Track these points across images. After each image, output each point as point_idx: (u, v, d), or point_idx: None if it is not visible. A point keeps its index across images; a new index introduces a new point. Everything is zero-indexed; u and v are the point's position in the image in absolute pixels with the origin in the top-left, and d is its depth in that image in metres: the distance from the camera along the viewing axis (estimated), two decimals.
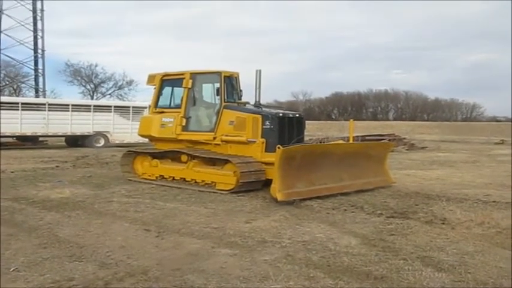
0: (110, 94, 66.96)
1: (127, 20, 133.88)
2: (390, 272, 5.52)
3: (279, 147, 9.55)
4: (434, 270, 5.61)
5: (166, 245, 6.60)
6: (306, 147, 11.09)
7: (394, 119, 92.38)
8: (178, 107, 13.04)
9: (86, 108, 28.96)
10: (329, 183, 10.51)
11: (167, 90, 13.74)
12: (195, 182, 11.83)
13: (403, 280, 5.27)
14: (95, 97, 64.96)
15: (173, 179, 12.38)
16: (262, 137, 11.44)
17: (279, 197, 9.38)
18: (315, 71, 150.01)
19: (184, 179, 12.12)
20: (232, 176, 10.98)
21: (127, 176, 13.36)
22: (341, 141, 14.06)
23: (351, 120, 13.60)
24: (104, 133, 28.91)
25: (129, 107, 31.14)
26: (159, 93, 13.65)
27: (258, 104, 12.37)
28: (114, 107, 30.43)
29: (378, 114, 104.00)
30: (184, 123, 12.81)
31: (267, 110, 12.20)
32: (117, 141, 29.03)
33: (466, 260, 6.06)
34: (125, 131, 29.47)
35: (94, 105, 29.90)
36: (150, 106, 14.02)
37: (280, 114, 11.75)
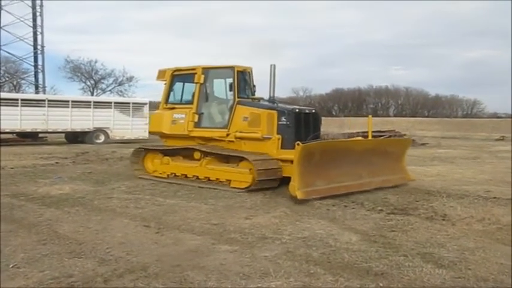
0: (110, 90, 66.84)
1: (127, 17, 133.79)
2: (390, 269, 5.51)
3: (298, 144, 9.26)
4: (435, 267, 5.59)
5: (166, 241, 6.59)
6: (326, 144, 10.83)
7: (395, 115, 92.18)
8: (189, 102, 12.75)
9: (85, 104, 28.90)
10: (348, 181, 10.24)
11: (178, 85, 13.43)
12: (209, 180, 11.55)
13: (403, 276, 5.26)
14: (95, 93, 64.84)
15: (185, 176, 12.11)
16: (277, 133, 11.12)
17: (299, 195, 9.08)
18: (316, 68, 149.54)
19: (197, 176, 11.81)
20: (248, 173, 10.69)
21: (137, 174, 13.05)
22: (360, 138, 13.54)
23: (370, 116, 13.23)
24: (104, 129, 28.85)
25: (129, 103, 31.11)
26: (169, 89, 13.34)
27: (272, 100, 11.98)
28: (114, 103, 30.38)
29: (378, 110, 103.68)
30: (196, 120, 12.48)
31: (282, 105, 11.86)
32: (117, 138, 29.02)
33: (467, 256, 6.05)
34: (125, 127, 29.48)
35: (94, 102, 29.84)
36: (160, 102, 13.69)
37: (297, 110, 11.52)
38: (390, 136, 26.51)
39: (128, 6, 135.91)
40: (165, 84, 13.35)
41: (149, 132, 14.14)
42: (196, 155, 12.11)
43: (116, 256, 5.83)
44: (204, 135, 12.38)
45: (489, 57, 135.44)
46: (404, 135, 31.14)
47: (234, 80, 12.02)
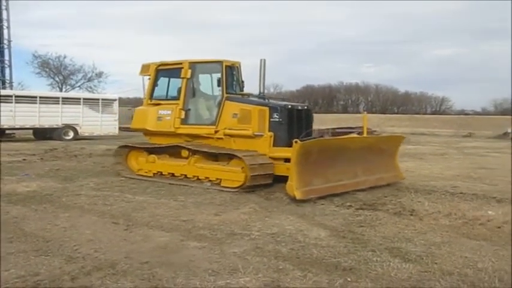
0: (79, 86, 66.07)
1: (97, 12, 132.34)
2: (359, 264, 5.56)
3: (296, 142, 9.01)
4: (402, 261, 5.67)
5: (135, 238, 6.55)
6: (324, 142, 10.46)
7: (365, 112, 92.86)
8: (176, 98, 12.25)
9: (54, 100, 28.52)
10: (344, 180, 10.01)
11: (163, 80, 12.94)
12: (198, 179, 11.13)
13: (371, 271, 5.31)
14: (63, 89, 64.03)
15: (172, 175, 11.70)
16: (269, 130, 10.75)
17: (298, 195, 8.85)
18: (286, 64, 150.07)
19: (185, 175, 11.40)
20: (241, 172, 10.26)
21: (121, 173, 12.50)
22: (355, 135, 13.10)
23: (365, 112, 12.78)
24: (73, 126, 28.51)
25: (98, 99, 30.83)
26: (154, 84, 12.88)
27: (262, 96, 11.63)
28: (83, 99, 30.06)
29: (348, 107, 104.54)
30: (183, 116, 12.02)
31: (274, 101, 11.55)
32: (86, 134, 28.74)
33: (433, 250, 6.15)
34: (95, 123, 29.19)
35: (63, 98, 29.51)
36: (144, 98, 13.27)
37: (289, 107, 11.16)
38: (359, 132, 26.64)
39: (97, 1, 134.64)
40: (149, 79, 12.94)
41: (132, 129, 13.53)
42: (184, 153, 11.65)
43: (84, 254, 5.77)
44: (192, 132, 11.95)
45: (457, 55, 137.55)
46: (375, 131, 31.38)
47: (222, 75, 11.58)
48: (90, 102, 29.91)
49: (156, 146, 12.32)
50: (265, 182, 10.30)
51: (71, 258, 5.60)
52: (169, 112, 12.18)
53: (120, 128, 31.40)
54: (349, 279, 5.06)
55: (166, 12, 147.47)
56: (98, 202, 8.95)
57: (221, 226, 7.20)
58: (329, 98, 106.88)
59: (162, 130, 12.28)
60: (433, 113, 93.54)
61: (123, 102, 61.79)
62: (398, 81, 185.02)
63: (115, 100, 30.95)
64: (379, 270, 5.36)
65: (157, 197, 9.54)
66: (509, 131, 42.01)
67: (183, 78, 12.02)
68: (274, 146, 10.69)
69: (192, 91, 12.04)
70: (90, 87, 65.20)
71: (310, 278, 5.07)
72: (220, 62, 11.66)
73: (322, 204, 8.97)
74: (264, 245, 6.23)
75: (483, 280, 5.09)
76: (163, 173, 11.91)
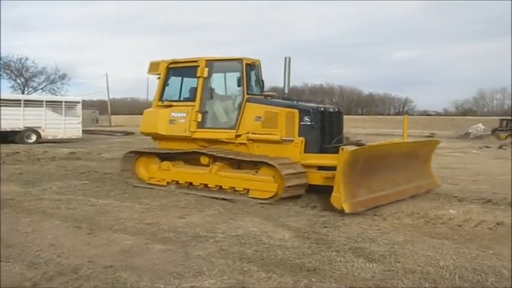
0: (41, 89, 65.29)
1: (59, 13, 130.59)
2: (323, 264, 5.61)
3: (343, 149, 8.32)
4: (366, 261, 5.74)
5: (99, 242, 6.49)
6: (371, 149, 9.30)
7: None
8: (190, 99, 11.13)
9: (15, 103, 27.93)
10: (387, 189, 9.22)
11: (175, 80, 11.76)
12: (221, 188, 10.09)
13: (335, 271, 5.36)
14: (26, 91, 63.09)
15: (190, 184, 10.61)
16: (299, 135, 9.84)
17: (346, 208, 8.05)
18: None
19: (206, 185, 10.33)
20: (273, 182, 9.35)
21: (131, 181, 11.46)
22: (398, 140, 11.89)
23: (405, 115, 11.54)
24: (36, 129, 27.95)
25: (61, 101, 30.29)
26: (164, 84, 11.65)
27: (288, 97, 10.90)
28: (46, 101, 29.50)
29: None
30: (200, 119, 10.87)
31: (303, 103, 10.67)
32: (49, 137, 28.22)
33: (396, 249, 6.24)
34: (58, 126, 28.67)
35: (24, 100, 28.96)
36: (154, 98, 12.08)
37: (322, 109, 10.24)
38: None
39: (59, 3, 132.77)
40: (159, 78, 11.75)
41: (141, 133, 12.49)
42: (204, 159, 10.57)
43: (46, 259, 5.69)
44: (210, 136, 10.85)
45: (419, 57, 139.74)
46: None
47: (242, 74, 10.55)
48: (53, 105, 29.38)
49: (170, 152, 11.17)
50: (299, 193, 9.50)
51: (32, 263, 5.51)
52: (183, 115, 11.03)
53: (84, 131, 31.09)
54: (313, 279, 5.11)
55: (130, 14, 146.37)
56: (61, 206, 8.82)
57: (186, 229, 7.18)
58: None
59: (175, 134, 11.16)
60: (396, 114, 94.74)
61: (87, 104, 61.32)
62: (362, 83, 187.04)
63: (78, 102, 30.53)
64: (343, 270, 5.42)
65: (121, 200, 9.45)
66: (470, 131, 43.00)
67: (199, 77, 10.90)
68: (304, 152, 9.82)
69: (210, 92, 11.02)
70: (53, 90, 64.50)
71: (275, 279, 5.10)
72: (240, 60, 10.66)
73: (287, 205, 9.01)
74: (229, 247, 6.24)
75: (444, 277, 5.20)
76: (180, 182, 10.81)
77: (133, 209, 8.68)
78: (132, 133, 40.94)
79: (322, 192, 9.44)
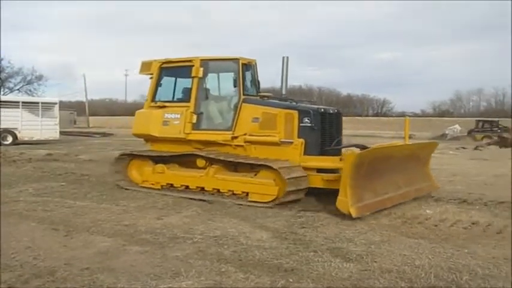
0: (18, 89, 64.48)
1: (36, 14, 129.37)
2: (300, 264, 5.64)
3: (352, 152, 8.29)
4: (343, 261, 5.78)
5: (76, 244, 6.44)
6: (377, 151, 9.20)
7: None
8: (183, 100, 10.90)
9: None
10: (390, 192, 9.03)
11: (168, 80, 11.51)
12: (219, 192, 9.81)
13: (312, 271, 5.40)
14: (1, 92, 62.27)
15: (186, 188, 10.31)
16: (298, 137, 9.68)
17: (353, 212, 7.85)
18: None
19: (202, 188, 10.05)
20: (274, 185, 9.12)
21: (122, 184, 11.11)
22: (399, 142, 11.43)
23: (407, 117, 11.11)
24: (12, 130, 27.64)
25: (38, 102, 29.98)
26: (157, 84, 11.37)
27: (285, 98, 10.69)
28: (22, 102, 29.19)
29: None
30: (195, 121, 10.64)
31: (303, 104, 10.42)
32: (26, 139, 27.91)
33: (373, 249, 6.30)
34: (34, 127, 28.37)
35: (0, 101, 28.64)
36: (146, 99, 11.74)
37: (322, 110, 10.06)
38: None
39: (35, 3, 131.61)
40: (151, 78, 11.45)
41: (133, 135, 12.06)
42: (200, 162, 10.29)
43: (22, 261, 5.64)
44: (205, 138, 10.61)
45: (396, 59, 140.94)
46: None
47: (238, 74, 10.38)
48: (30, 106, 29.08)
49: (164, 154, 10.89)
50: (299, 197, 9.32)
51: (7, 266, 5.45)
52: (177, 116, 10.78)
53: (61, 133, 30.82)
54: (291, 279, 5.13)
55: (107, 15, 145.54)
56: (37, 208, 8.74)
57: (163, 230, 7.16)
58: None
59: (169, 136, 10.91)
60: (375, 115, 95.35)
61: (65, 106, 60.80)
62: (340, 84, 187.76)
63: (55, 104, 30.25)
64: (320, 270, 5.45)
65: (98, 202, 9.39)
66: (447, 132, 43.47)
67: (194, 77, 10.66)
68: (304, 154, 9.65)
69: (205, 92, 10.81)
70: (30, 91, 63.77)
71: (253, 279, 5.11)
72: (236, 60, 10.48)
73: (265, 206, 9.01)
74: (207, 248, 6.24)
75: (420, 277, 5.26)
76: (175, 185, 10.48)
77: (111, 210, 8.63)
78: (111, 134, 40.71)
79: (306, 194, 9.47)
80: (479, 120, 47.66)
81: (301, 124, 9.69)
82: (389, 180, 9.15)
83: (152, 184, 10.71)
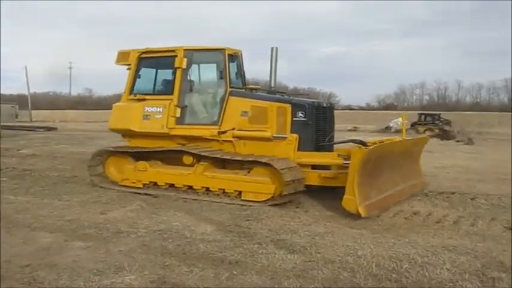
0: None
1: None
2: (245, 257, 5.69)
3: (360, 147, 7.97)
4: (287, 252, 5.86)
5: (16, 240, 6.31)
6: (383, 148, 8.88)
7: None
8: (165, 93, 10.23)
9: None
10: (390, 190, 8.77)
11: (148, 71, 10.75)
12: (208, 190, 9.22)
13: (257, 263, 5.46)
14: None
15: (171, 186, 9.62)
16: (292, 132, 9.23)
17: (363, 211, 7.54)
18: None
19: (190, 187, 9.41)
20: (270, 183, 8.64)
21: (99, 183, 10.37)
22: (398, 138, 10.73)
23: (404, 114, 11.01)
24: None
25: None
26: (135, 75, 10.60)
27: (274, 90, 10.19)
28: None
29: None
30: (178, 114, 9.99)
31: (296, 98, 10.06)
32: None
33: (317, 240, 6.40)
34: None
35: None
36: (123, 91, 10.85)
37: (316, 104, 9.63)
38: None
39: None
40: (129, 69, 10.67)
41: (110, 129, 11.25)
42: (187, 159, 9.63)
43: None
44: (190, 133, 9.97)
45: (342, 53, 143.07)
46: None
47: (225, 65, 9.79)
48: None
49: (150, 150, 10.06)
50: (294, 196, 8.82)
51: None
52: (160, 109, 10.09)
53: (2, 127, 30.04)
54: (235, 272, 5.18)
55: (52, 5, 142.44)
56: None
57: (107, 225, 7.09)
58: None
59: (150, 131, 10.23)
60: None
61: (6, 99, 59.34)
62: (287, 78, 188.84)
63: None
64: (264, 262, 5.51)
65: (40, 197, 9.21)
66: (391, 125, 44.37)
67: (177, 68, 9.99)
68: (298, 150, 9.22)
69: (189, 84, 10.19)
70: None
71: (197, 272, 5.13)
72: (222, 50, 9.90)
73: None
74: (151, 242, 6.22)
75: (362, 266, 5.38)
76: (159, 184, 9.77)
77: (53, 205, 8.47)
78: (55, 128, 39.88)
79: None
80: (421, 113, 48.85)
81: (294, 118, 9.25)
82: (389, 177, 8.95)
83: (133, 182, 9.96)
